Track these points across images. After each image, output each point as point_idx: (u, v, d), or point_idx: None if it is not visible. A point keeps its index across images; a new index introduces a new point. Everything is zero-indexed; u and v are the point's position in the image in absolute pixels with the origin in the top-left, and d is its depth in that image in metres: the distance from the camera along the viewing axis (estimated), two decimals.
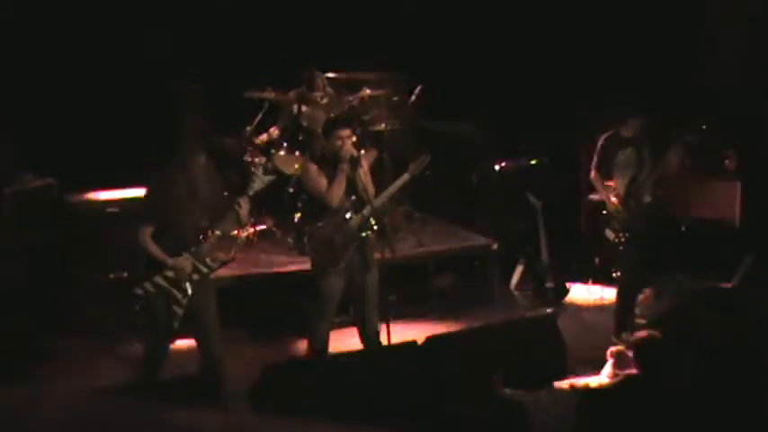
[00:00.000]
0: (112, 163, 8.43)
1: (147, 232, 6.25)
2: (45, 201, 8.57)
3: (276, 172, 9.18)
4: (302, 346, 7.35)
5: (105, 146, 8.97)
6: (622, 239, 7.85)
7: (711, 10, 9.99)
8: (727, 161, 7.82)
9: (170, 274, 6.28)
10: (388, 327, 7.08)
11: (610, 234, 7.92)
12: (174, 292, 6.29)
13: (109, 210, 8.38)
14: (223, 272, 8.50)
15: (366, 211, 7.04)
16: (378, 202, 7.13)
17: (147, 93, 9.34)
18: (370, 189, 7.17)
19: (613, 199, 7.90)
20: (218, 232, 6.41)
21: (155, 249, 6.26)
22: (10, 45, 9.24)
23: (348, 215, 7.04)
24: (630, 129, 7.86)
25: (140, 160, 6.67)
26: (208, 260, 6.40)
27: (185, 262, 6.30)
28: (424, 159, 7.20)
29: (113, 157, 8.59)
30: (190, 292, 6.33)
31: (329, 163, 7.04)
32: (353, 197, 7.07)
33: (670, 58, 9.75)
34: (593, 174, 8.08)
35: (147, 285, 6.25)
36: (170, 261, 6.27)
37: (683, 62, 9.82)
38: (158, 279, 6.26)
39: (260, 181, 6.53)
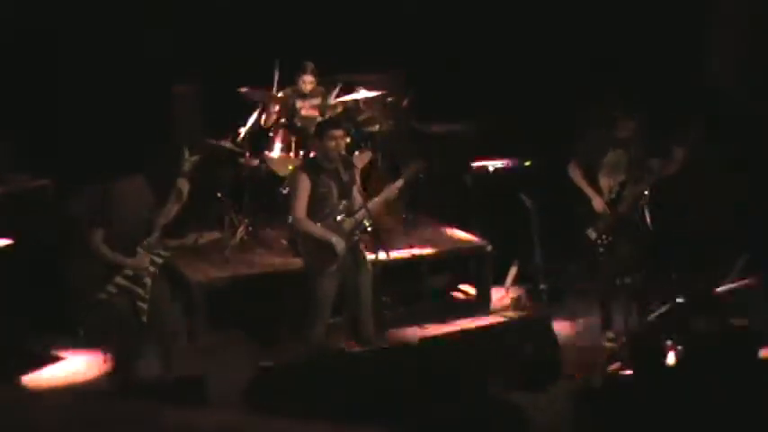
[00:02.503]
0: (111, 163, 8.43)
1: (98, 237, 6.32)
2: (40, 202, 8.56)
3: (270, 173, 9.20)
4: (298, 346, 7.36)
5: (104, 146, 8.96)
6: (605, 241, 7.77)
7: (711, 10, 9.99)
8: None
9: (129, 272, 6.37)
10: (382, 328, 7.10)
11: (592, 234, 7.83)
12: (136, 288, 6.41)
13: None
14: (218, 273, 8.57)
15: (359, 215, 7.06)
16: (372, 206, 7.14)
17: (147, 93, 9.34)
18: (360, 196, 7.21)
19: (599, 200, 7.78)
20: (162, 220, 6.50)
21: (109, 253, 6.35)
22: (9, 44, 9.24)
23: (340, 218, 7.06)
24: (624, 129, 7.71)
25: (139, 161, 6.68)
26: (160, 251, 6.51)
27: (142, 258, 6.42)
28: (419, 165, 7.24)
29: (112, 157, 8.58)
30: (150, 284, 6.45)
31: (320, 168, 7.06)
32: (344, 201, 7.09)
33: (670, 58, 9.76)
34: (576, 168, 7.87)
35: (109, 288, 6.34)
36: (128, 261, 6.37)
37: (683, 62, 9.83)
38: (119, 279, 6.36)
39: (188, 162, 6.65)
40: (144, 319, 6.44)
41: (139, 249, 6.41)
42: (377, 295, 7.31)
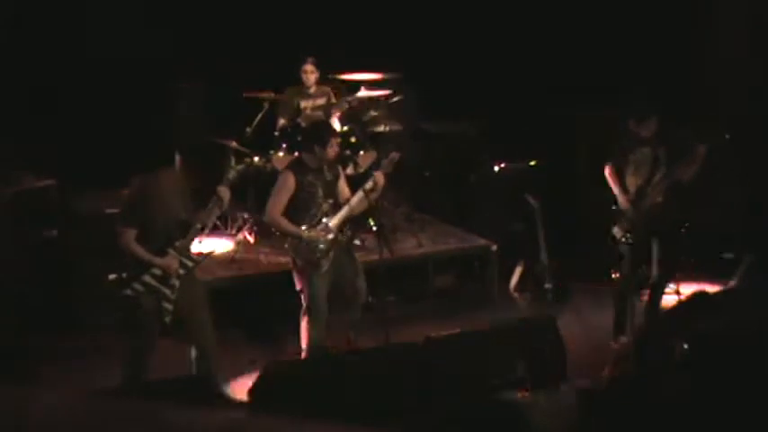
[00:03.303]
0: (112, 163, 8.45)
1: (130, 235, 6.30)
2: (44, 201, 8.57)
3: (275, 173, 9.20)
4: (301, 346, 7.36)
5: (105, 146, 8.97)
6: (629, 239, 7.78)
7: (711, 10, 9.97)
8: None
9: (157, 271, 6.34)
10: (386, 327, 7.10)
11: (617, 232, 7.83)
12: (163, 289, 6.38)
13: (108, 210, 8.39)
14: (222, 273, 8.58)
15: (354, 201, 7.12)
16: (354, 201, 7.17)
17: (147, 93, 9.35)
18: (346, 192, 7.24)
19: (625, 198, 7.78)
20: (198, 225, 6.48)
21: (140, 251, 6.32)
22: (10, 44, 9.25)
23: (326, 219, 7.10)
24: (649, 128, 7.72)
25: (139, 161, 6.66)
26: (193, 254, 6.48)
27: (172, 259, 6.37)
28: (393, 157, 7.31)
29: (113, 158, 8.60)
30: (177, 286, 6.41)
31: (306, 168, 7.10)
32: (330, 200, 7.13)
33: (670, 57, 9.74)
34: (608, 169, 7.93)
35: (136, 285, 6.33)
36: (158, 260, 6.34)
37: (684, 62, 9.81)
38: (147, 278, 6.34)
39: (233, 170, 6.67)
40: (167, 320, 6.43)
41: (171, 251, 6.40)
42: (381, 294, 7.33)
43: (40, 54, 9.40)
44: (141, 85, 9.49)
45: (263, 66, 9.64)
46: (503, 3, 10.50)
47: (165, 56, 9.65)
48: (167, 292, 6.39)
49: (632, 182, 7.80)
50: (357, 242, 8.77)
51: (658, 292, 7.96)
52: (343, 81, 9.87)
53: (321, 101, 9.53)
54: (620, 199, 7.78)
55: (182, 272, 6.44)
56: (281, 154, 9.18)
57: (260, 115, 9.40)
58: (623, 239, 7.77)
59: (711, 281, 8.36)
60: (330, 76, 9.70)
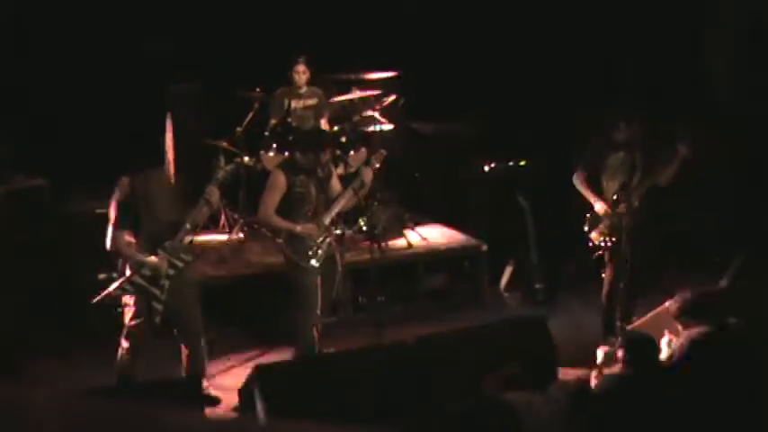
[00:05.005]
0: (104, 163, 8.44)
1: (120, 237, 6.31)
2: (35, 201, 8.56)
3: (266, 173, 9.21)
4: (294, 345, 7.37)
5: (98, 145, 8.96)
6: (609, 243, 7.78)
7: (711, 10, 10.01)
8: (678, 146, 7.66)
9: (147, 272, 6.35)
10: (378, 327, 7.13)
11: (596, 237, 7.83)
12: (153, 289, 6.40)
13: (99, 210, 8.38)
14: (216, 272, 8.58)
15: (342, 198, 7.19)
16: (343, 199, 7.25)
17: (145, 93, 9.34)
18: (339, 190, 7.32)
19: (601, 203, 7.76)
20: (188, 225, 6.49)
21: (130, 252, 6.35)
22: (6, 44, 9.24)
23: (321, 216, 7.18)
24: (624, 132, 7.70)
25: (132, 160, 6.67)
26: (182, 254, 6.48)
27: (161, 260, 6.39)
28: (381, 154, 7.41)
29: (105, 157, 8.58)
30: (167, 287, 6.42)
31: (297, 167, 7.16)
32: (322, 196, 7.18)
33: (669, 58, 9.77)
34: (580, 175, 7.90)
35: (126, 286, 6.33)
36: (147, 261, 6.34)
37: (683, 62, 9.84)
38: (136, 278, 6.35)
39: (222, 171, 6.70)
40: (157, 320, 6.44)
41: (160, 251, 6.41)
42: (373, 295, 7.36)
43: (35, 54, 9.39)
44: (136, 85, 9.48)
45: (255, 65, 9.64)
46: (501, 2, 10.51)
47: (163, 56, 9.65)
48: (157, 292, 6.41)
49: (610, 187, 7.77)
50: (353, 232, 8.82)
51: (636, 293, 7.97)
52: (336, 80, 9.89)
53: (312, 101, 9.54)
54: (598, 205, 7.74)
55: (171, 272, 6.45)
56: (271, 154, 9.19)
57: (250, 115, 9.40)
58: (603, 243, 7.76)
59: (701, 281, 8.38)
60: (322, 76, 9.71)
